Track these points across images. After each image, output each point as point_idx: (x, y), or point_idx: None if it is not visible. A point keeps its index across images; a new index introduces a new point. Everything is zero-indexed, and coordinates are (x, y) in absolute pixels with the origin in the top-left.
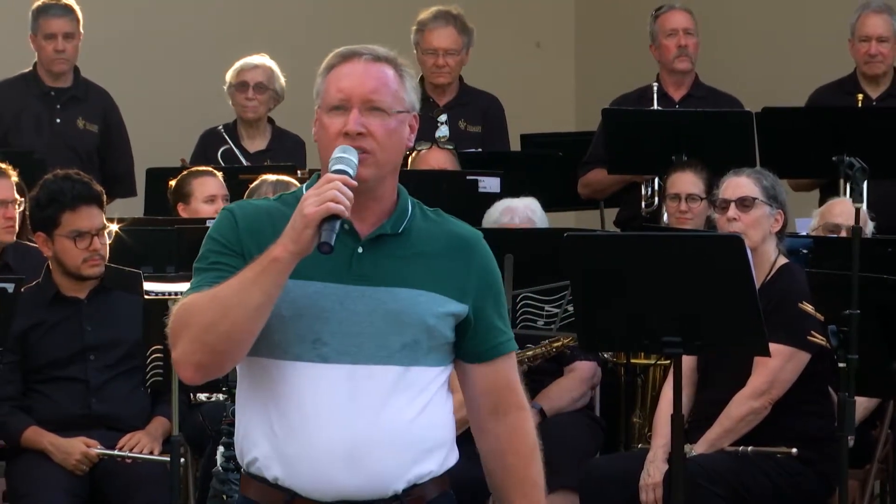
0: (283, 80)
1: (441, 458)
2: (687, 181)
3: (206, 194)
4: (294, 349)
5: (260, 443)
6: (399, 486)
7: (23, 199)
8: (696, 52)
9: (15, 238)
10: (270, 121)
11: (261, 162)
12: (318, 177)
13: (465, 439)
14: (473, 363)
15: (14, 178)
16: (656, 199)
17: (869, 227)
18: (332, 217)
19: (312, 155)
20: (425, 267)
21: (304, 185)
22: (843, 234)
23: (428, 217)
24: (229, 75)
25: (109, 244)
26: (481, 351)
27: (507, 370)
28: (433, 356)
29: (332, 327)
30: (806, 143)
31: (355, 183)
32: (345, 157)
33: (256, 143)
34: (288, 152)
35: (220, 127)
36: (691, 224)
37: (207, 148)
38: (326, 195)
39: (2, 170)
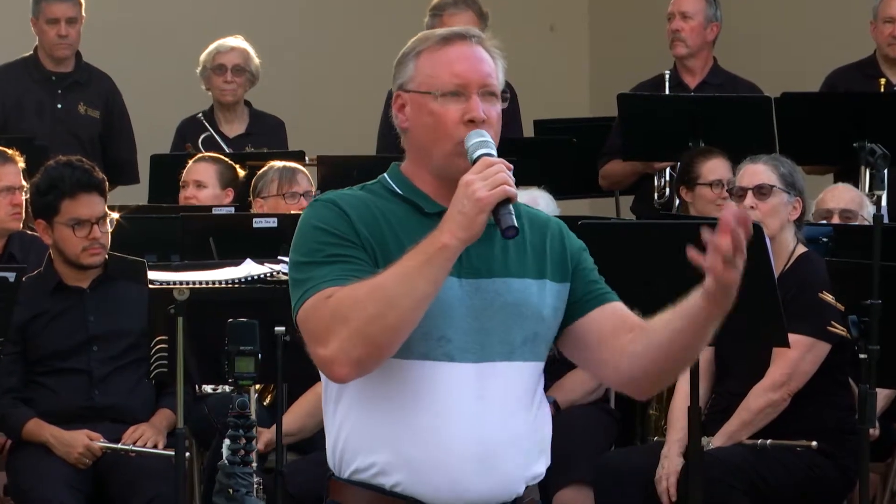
0: (257, 61)
1: (547, 458)
2: (724, 167)
3: (193, 179)
4: (420, 347)
5: (377, 448)
6: (520, 488)
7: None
8: (699, 36)
9: (21, 226)
10: (247, 103)
11: (242, 147)
12: (396, 167)
13: None
14: (584, 314)
15: (21, 163)
16: (667, 189)
17: (867, 212)
18: (506, 201)
19: (293, 136)
20: (525, 253)
21: (386, 175)
22: (836, 220)
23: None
24: (204, 58)
25: (112, 232)
26: (587, 301)
27: (622, 310)
28: (544, 348)
29: (455, 323)
30: (826, 129)
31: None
32: (487, 140)
33: (235, 127)
34: (268, 134)
35: (200, 114)
36: None
37: (187, 137)
38: (498, 178)
39: (8, 155)
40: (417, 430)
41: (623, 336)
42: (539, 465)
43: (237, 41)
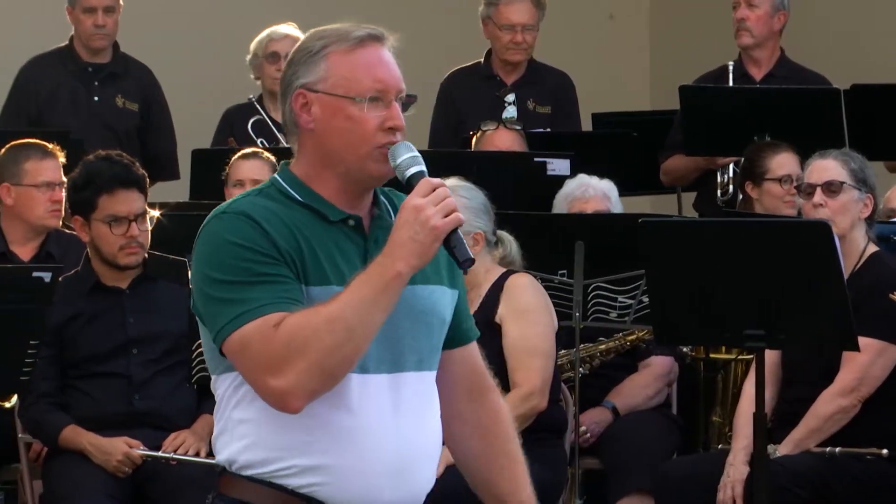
0: None
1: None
2: (793, 162)
3: (237, 177)
4: None
5: (290, 450)
6: (424, 497)
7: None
8: (765, 25)
9: (60, 223)
10: None
11: None
12: (287, 170)
13: None
14: (454, 348)
15: (62, 158)
16: (731, 186)
17: None
18: (455, 228)
19: None
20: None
21: (279, 178)
22: None
23: (390, 198)
24: (255, 46)
25: (152, 230)
26: (462, 331)
27: (477, 353)
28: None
29: None
30: None
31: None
32: (418, 156)
33: None
34: None
35: (252, 96)
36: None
37: (234, 125)
38: (448, 204)
39: (48, 150)
40: (335, 438)
41: (462, 393)
42: (435, 472)
43: (290, 28)
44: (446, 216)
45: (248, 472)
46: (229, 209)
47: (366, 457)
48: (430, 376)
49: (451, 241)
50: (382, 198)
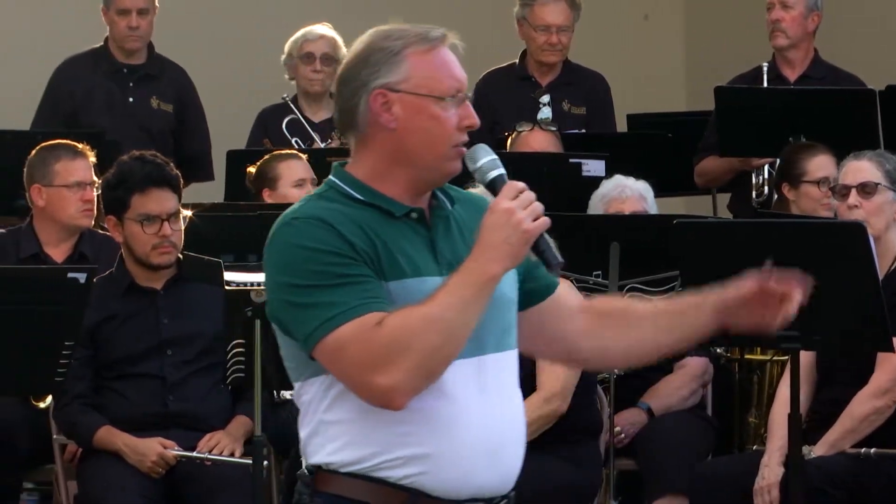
0: (345, 50)
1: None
2: (831, 165)
3: (295, 178)
4: None
5: (380, 445)
6: (516, 478)
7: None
8: (799, 26)
9: (93, 223)
10: (332, 94)
11: (328, 132)
12: (342, 171)
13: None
14: (543, 300)
15: (92, 158)
16: (766, 188)
17: None
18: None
19: None
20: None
21: (336, 180)
22: None
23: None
24: (290, 46)
25: (186, 230)
26: (541, 287)
27: (565, 293)
28: (516, 337)
29: None
30: None
31: None
32: (497, 159)
33: (321, 114)
34: None
35: (286, 95)
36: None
37: (268, 126)
38: (536, 208)
39: (78, 150)
40: (431, 427)
41: (577, 319)
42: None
43: (325, 29)
44: (535, 220)
45: (346, 470)
46: (299, 215)
47: (463, 441)
48: (508, 355)
49: (539, 245)
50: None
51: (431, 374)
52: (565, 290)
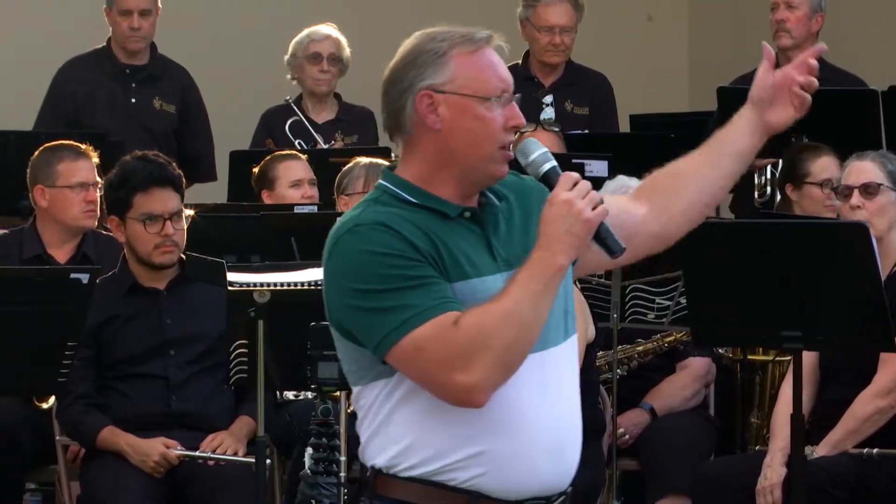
0: (348, 51)
1: None
2: (835, 166)
3: (293, 179)
4: None
5: (444, 446)
6: (573, 475)
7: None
8: (804, 26)
9: (96, 223)
10: (336, 96)
11: (331, 133)
12: (393, 175)
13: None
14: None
15: (95, 159)
16: (768, 188)
17: None
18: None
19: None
20: (529, 229)
21: (388, 184)
22: None
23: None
24: (294, 47)
25: (188, 230)
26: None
27: (617, 202)
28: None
29: None
30: None
31: None
32: (548, 151)
33: (324, 115)
34: (359, 122)
35: (289, 97)
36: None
37: (273, 126)
38: (594, 196)
39: (81, 150)
40: (495, 426)
41: (637, 210)
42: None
43: (330, 29)
44: (594, 209)
45: (407, 474)
46: (361, 221)
47: (527, 439)
48: (569, 344)
49: (600, 233)
50: None
51: (510, 369)
52: (613, 201)
